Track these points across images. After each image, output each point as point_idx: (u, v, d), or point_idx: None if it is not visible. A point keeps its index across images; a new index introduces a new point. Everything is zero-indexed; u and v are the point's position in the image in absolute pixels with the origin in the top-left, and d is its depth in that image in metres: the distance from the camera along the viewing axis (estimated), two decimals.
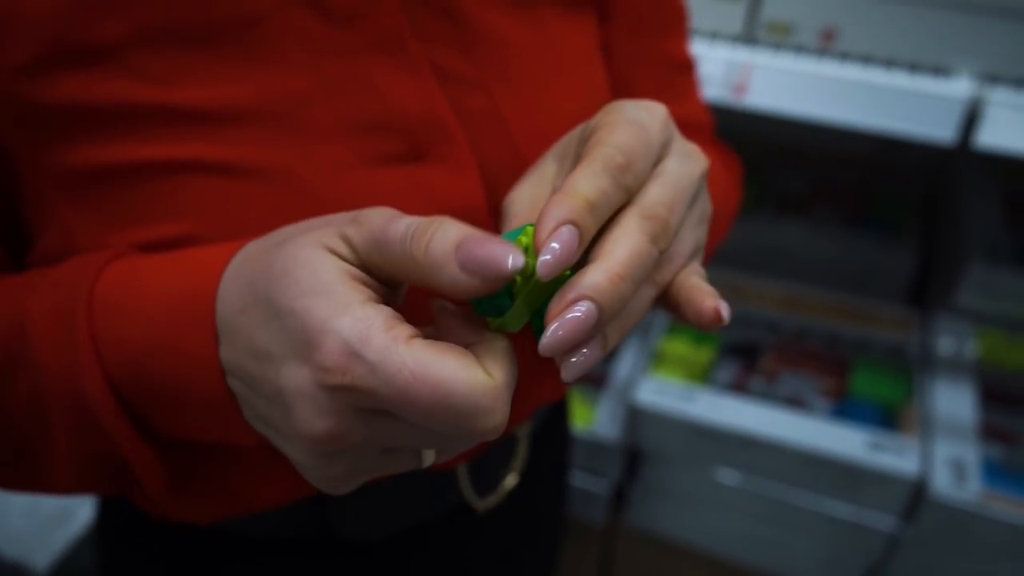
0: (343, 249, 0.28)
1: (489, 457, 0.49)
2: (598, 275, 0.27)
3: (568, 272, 0.28)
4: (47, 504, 0.87)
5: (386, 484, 0.44)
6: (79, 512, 0.87)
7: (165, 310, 0.31)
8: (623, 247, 0.28)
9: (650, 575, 1.13)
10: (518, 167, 0.39)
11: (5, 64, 0.32)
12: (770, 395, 1.03)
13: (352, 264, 0.28)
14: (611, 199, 0.28)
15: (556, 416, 0.58)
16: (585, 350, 0.28)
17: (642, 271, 0.28)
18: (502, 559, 0.55)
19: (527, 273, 0.28)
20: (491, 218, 0.39)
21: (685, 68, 0.50)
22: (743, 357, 1.09)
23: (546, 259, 0.26)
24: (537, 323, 0.29)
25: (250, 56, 0.34)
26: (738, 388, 1.04)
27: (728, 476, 1.00)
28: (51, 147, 0.34)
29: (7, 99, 0.33)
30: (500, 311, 0.29)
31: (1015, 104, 0.73)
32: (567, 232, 0.26)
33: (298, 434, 0.28)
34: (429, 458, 0.31)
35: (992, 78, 0.76)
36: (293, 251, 0.28)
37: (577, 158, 0.32)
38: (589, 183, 0.28)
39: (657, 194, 0.30)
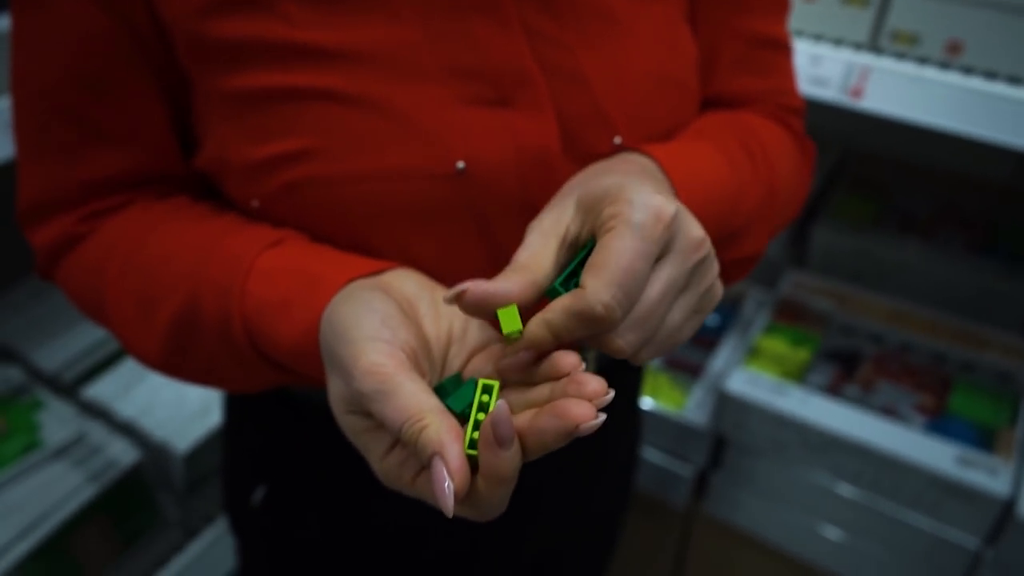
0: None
1: None
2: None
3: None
4: (190, 399, 1.01)
5: None
6: (214, 409, 0.99)
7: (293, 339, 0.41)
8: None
9: (722, 562, 1.15)
10: (597, 120, 0.46)
11: (188, 8, 0.43)
12: (864, 403, 1.04)
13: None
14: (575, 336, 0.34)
15: (622, 382, 0.63)
16: None
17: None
18: (557, 474, 0.62)
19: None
20: (564, 160, 0.45)
21: (773, 45, 0.54)
22: (841, 363, 1.10)
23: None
24: None
25: (373, 9, 0.42)
26: (832, 392, 1.06)
27: (810, 474, 1.01)
28: (217, 74, 0.44)
29: (188, 34, 0.44)
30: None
31: None
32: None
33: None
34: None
35: None
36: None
37: (591, 225, 0.36)
38: (564, 327, 0.34)
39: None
